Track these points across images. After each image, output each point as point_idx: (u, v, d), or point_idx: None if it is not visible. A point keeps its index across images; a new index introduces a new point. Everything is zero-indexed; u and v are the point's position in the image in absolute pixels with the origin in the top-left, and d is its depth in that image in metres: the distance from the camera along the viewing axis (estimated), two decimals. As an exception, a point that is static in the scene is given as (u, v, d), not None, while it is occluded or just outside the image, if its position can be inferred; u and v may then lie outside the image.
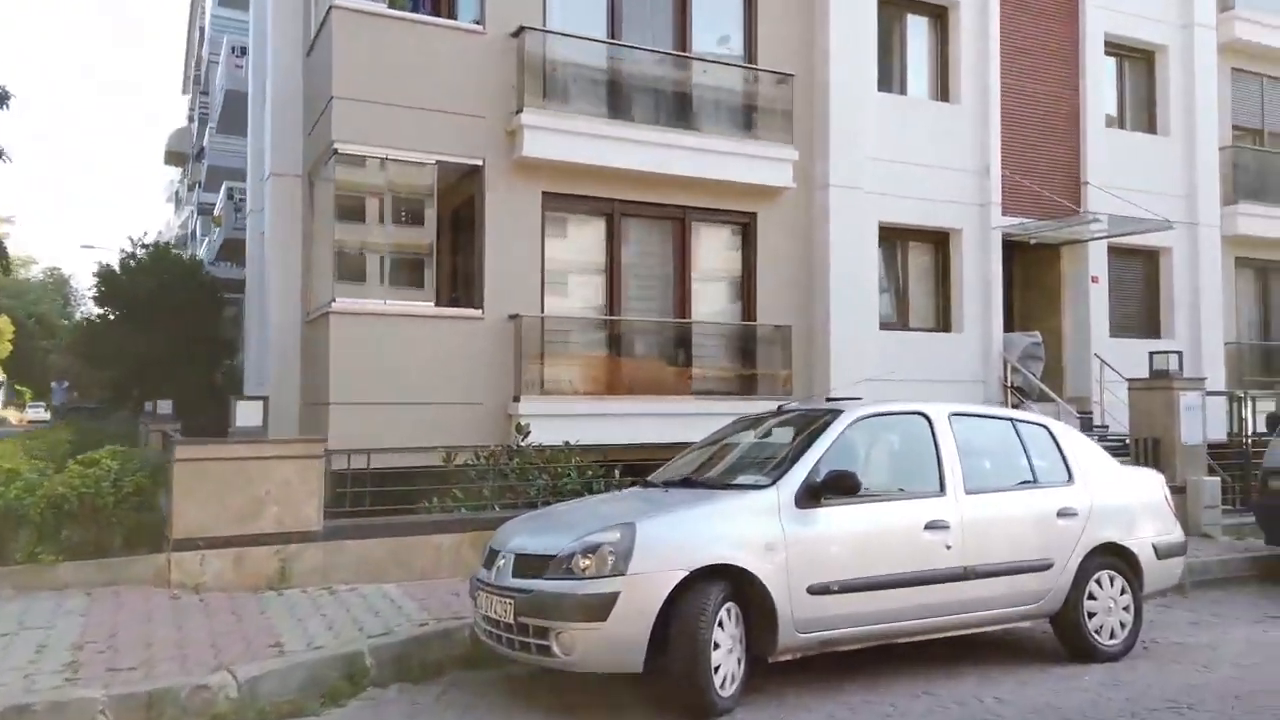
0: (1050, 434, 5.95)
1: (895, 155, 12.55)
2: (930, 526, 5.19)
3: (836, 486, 4.90)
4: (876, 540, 5.05)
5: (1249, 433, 11.43)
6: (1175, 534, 6.15)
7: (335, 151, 9.83)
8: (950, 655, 5.67)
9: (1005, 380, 13.04)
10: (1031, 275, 14.60)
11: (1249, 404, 11.65)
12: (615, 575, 4.42)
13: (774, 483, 4.96)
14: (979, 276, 13.13)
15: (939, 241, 13.25)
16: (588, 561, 4.50)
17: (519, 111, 10.29)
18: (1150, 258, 14.82)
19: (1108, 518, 5.78)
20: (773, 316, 11.94)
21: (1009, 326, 14.13)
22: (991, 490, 5.53)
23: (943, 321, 13.28)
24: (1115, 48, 14.44)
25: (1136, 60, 14.85)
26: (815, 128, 12.23)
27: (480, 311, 10.34)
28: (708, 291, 12.02)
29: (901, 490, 5.47)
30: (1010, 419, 5.95)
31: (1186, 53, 14.70)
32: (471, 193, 10.58)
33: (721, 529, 4.71)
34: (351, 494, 7.32)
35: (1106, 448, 11.99)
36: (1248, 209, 15.10)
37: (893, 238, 12.94)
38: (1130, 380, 11.17)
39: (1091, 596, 5.68)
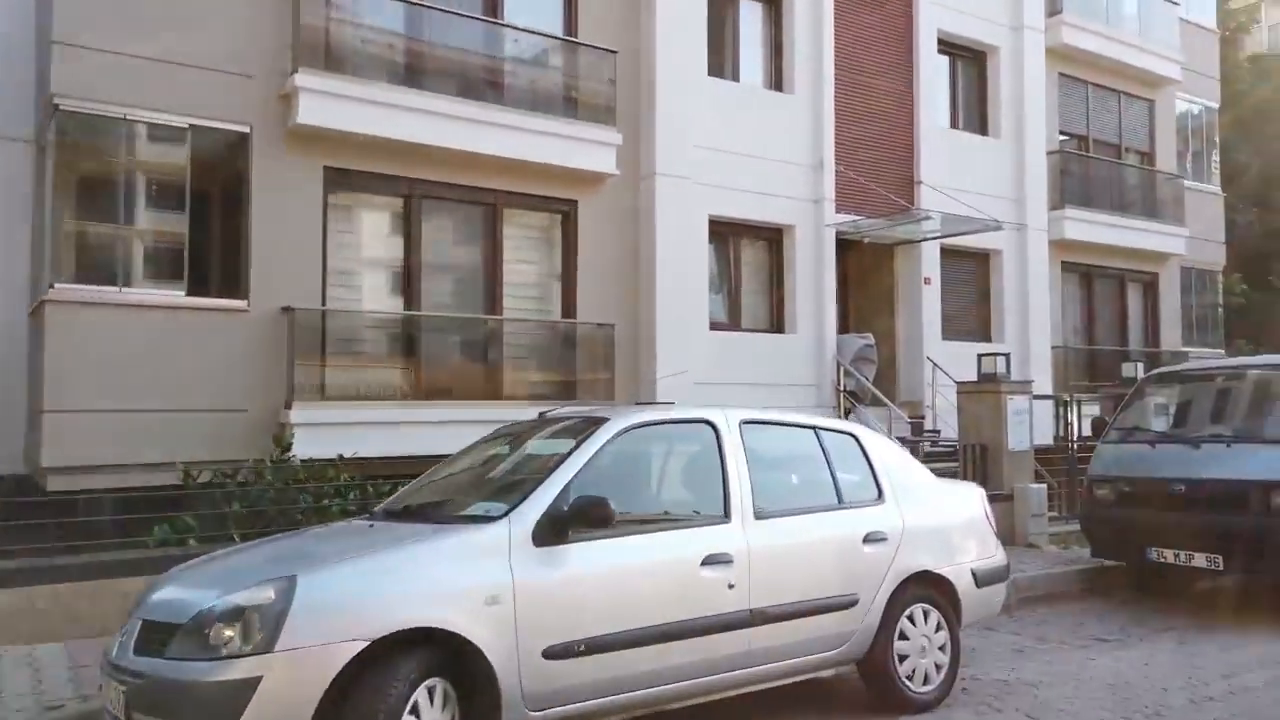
0: (858, 444, 5.05)
1: (727, 145, 11.72)
2: (709, 562, 4.16)
3: (585, 517, 3.79)
4: (639, 583, 3.98)
5: (1075, 437, 11.14)
6: (997, 557, 5.37)
7: (56, 108, 8.11)
8: (738, 713, 4.67)
9: (838, 384, 12.42)
10: (866, 276, 14.11)
11: (1075, 408, 11.38)
12: (259, 653, 3.15)
13: (505, 514, 3.81)
14: (813, 275, 12.47)
15: (772, 238, 12.51)
16: (230, 632, 3.22)
17: (294, 72, 8.82)
18: (981, 260, 14.60)
19: (922, 541, 4.93)
20: (595, 314, 10.86)
21: (843, 328, 13.59)
22: (787, 513, 4.56)
23: (776, 322, 12.55)
24: (948, 46, 14.13)
25: (969, 60, 14.61)
26: (641, 111, 11.24)
27: (245, 303, 8.80)
28: (522, 286, 10.84)
29: (675, 518, 4.42)
30: (813, 427, 5.00)
31: (1016, 55, 14.57)
32: (238, 165, 9.03)
33: (426, 579, 3.52)
34: (20, 527, 5.74)
35: (938, 454, 11.90)
36: (1074, 214, 15.11)
37: (724, 233, 12.11)
38: (959, 384, 10.68)
39: (903, 636, 4.79)
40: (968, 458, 9.94)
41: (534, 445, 4.63)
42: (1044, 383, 14.37)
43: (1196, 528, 7.21)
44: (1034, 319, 14.63)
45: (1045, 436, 12.04)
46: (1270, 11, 22.27)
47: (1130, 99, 16.54)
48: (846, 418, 12.45)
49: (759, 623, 4.24)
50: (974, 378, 10.31)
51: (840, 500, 4.81)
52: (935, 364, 13.00)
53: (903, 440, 11.59)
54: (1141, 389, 8.44)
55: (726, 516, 4.33)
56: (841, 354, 12.52)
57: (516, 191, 10.50)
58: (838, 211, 12.57)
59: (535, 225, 10.94)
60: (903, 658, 4.77)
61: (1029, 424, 9.94)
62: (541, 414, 5.03)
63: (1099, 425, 8.51)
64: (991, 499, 10.14)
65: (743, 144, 11.86)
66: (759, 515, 4.39)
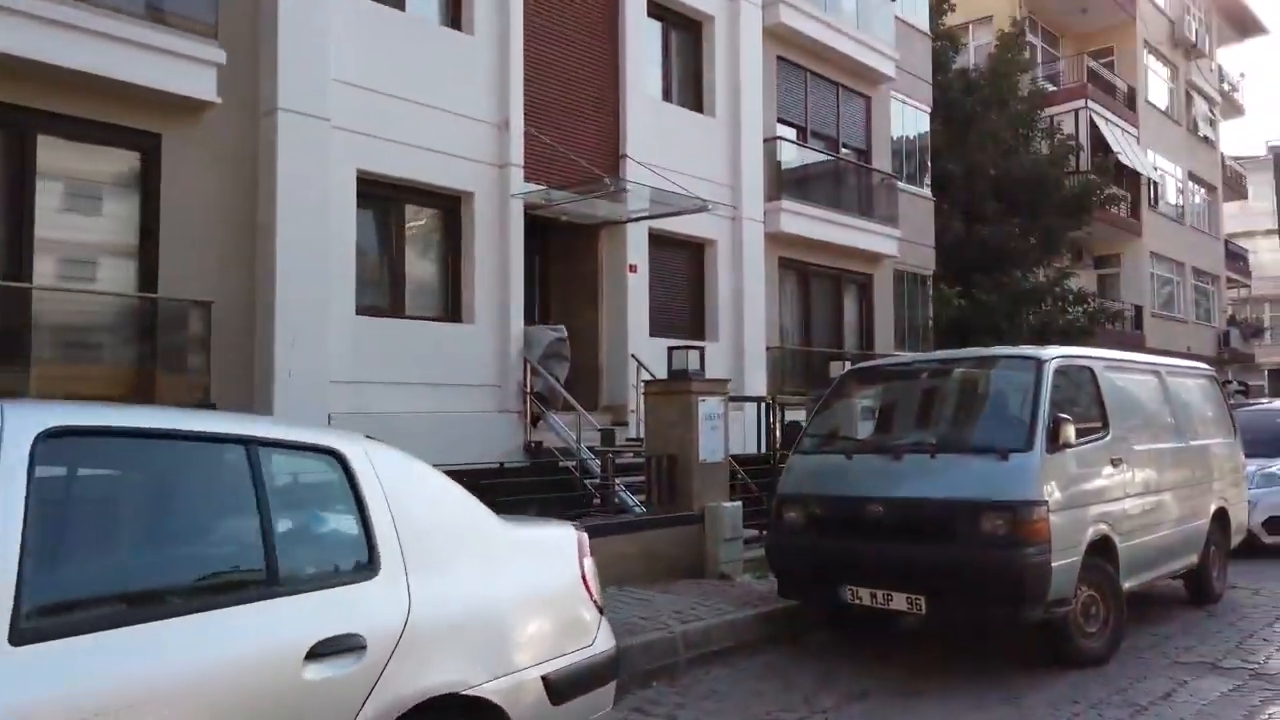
0: (346, 474, 2.82)
1: (387, 86, 9.32)
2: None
3: None
4: None
5: (777, 446, 9.71)
6: (597, 645, 3.33)
7: None
8: None
9: (526, 385, 10.33)
10: (569, 261, 12.19)
11: (778, 412, 9.96)
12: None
13: None
14: (497, 254, 10.32)
15: (446, 206, 10.24)
16: None
17: None
18: (695, 250, 13.13)
19: (447, 640, 2.79)
20: (184, 287, 8.06)
21: (543, 319, 11.58)
22: (148, 616, 2.24)
23: (451, 308, 10.27)
24: (660, 8, 12.54)
25: (683, 28, 13.12)
26: (260, 28, 8.59)
27: None
28: (73, 243, 7.85)
29: None
30: (247, 440, 2.69)
31: (733, 28, 13.26)
32: None
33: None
34: None
35: (635, 466, 10.17)
36: (791, 206, 14.03)
37: (382, 195, 9.68)
38: (646, 383, 8.90)
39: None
40: (654, 471, 8.14)
41: None
42: (759, 384, 13.13)
43: (896, 561, 5.69)
44: (749, 316, 13.35)
45: (752, 445, 10.61)
46: (978, 32, 22.97)
47: (848, 93, 15.84)
48: (535, 425, 10.40)
49: None
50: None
51: (274, 578, 2.53)
52: (640, 363, 11.24)
53: (594, 450, 9.69)
54: (841, 387, 6.95)
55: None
56: (530, 349, 10.45)
57: (68, 115, 7.52)
58: (527, 180, 10.50)
59: (100, 162, 7.98)
60: None
61: (724, 430, 8.29)
62: None
63: (791, 432, 6.91)
64: (679, 521, 8.72)
65: (409, 88, 9.50)
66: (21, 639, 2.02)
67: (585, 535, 3.43)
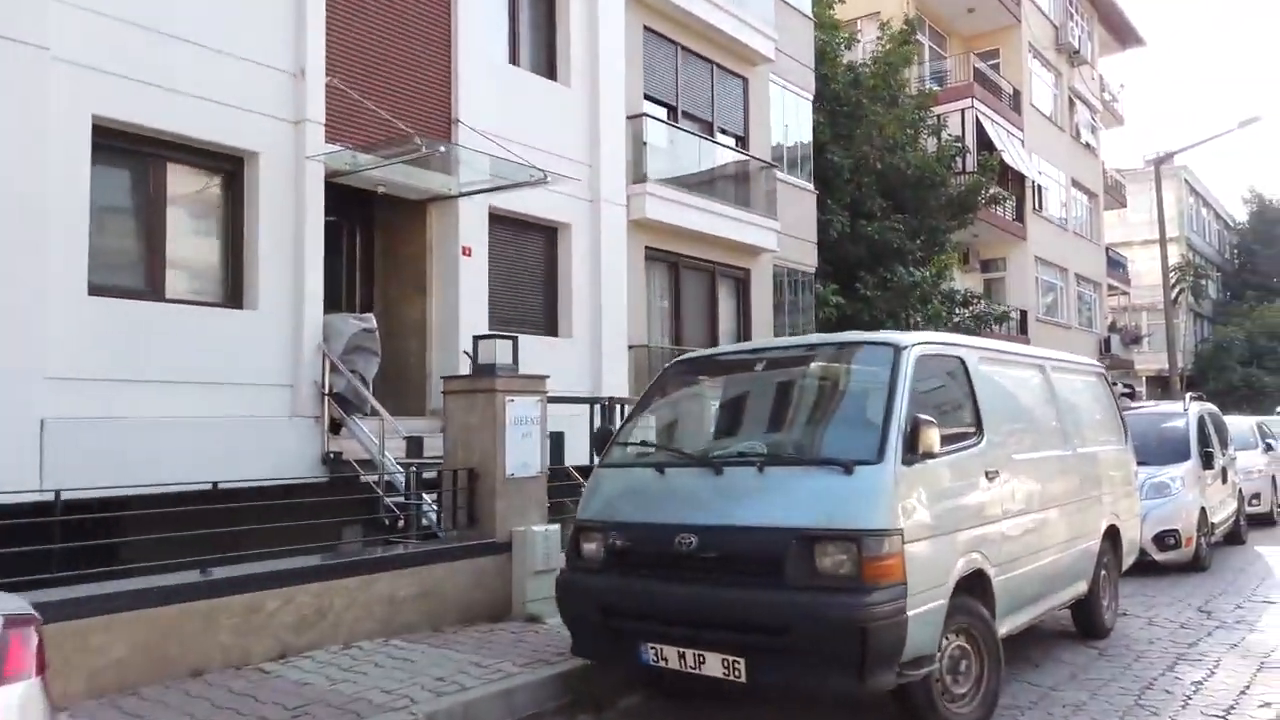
0: None
1: (136, 13, 7.49)
2: None
3: None
4: None
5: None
6: None
7: None
8: None
9: (324, 384, 8.61)
10: (394, 242, 10.52)
11: (618, 416, 8.51)
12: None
13: None
14: (289, 226, 8.56)
15: (224, 168, 8.43)
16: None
17: None
18: (547, 235, 11.61)
19: None
20: None
21: (365, 308, 9.90)
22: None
23: (230, 292, 8.47)
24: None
25: (534, -16, 11.62)
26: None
27: None
28: None
29: None
30: None
31: (591, -13, 11.82)
32: None
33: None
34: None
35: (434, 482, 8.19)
36: (659, 190, 12.66)
37: (135, 150, 7.83)
38: (445, 380, 7.32)
39: None
40: (451, 489, 6.56)
41: None
42: (619, 385, 11.69)
43: (709, 611, 4.27)
44: (609, 310, 11.90)
45: (585, 456, 9.15)
46: (867, 28, 22.21)
47: (724, 73, 14.61)
48: (336, 432, 8.69)
49: None
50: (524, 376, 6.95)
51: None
52: (475, 360, 9.59)
53: (402, 462, 8.05)
54: (664, 383, 5.52)
55: None
56: (331, 342, 8.72)
57: None
58: (330, 141, 8.80)
59: None
60: None
61: (539, 439, 6.77)
62: None
63: (603, 438, 5.44)
64: (476, 551, 6.26)
65: (170, 19, 7.70)
66: None
67: (31, 633, 1.83)
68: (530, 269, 11.46)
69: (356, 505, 7.89)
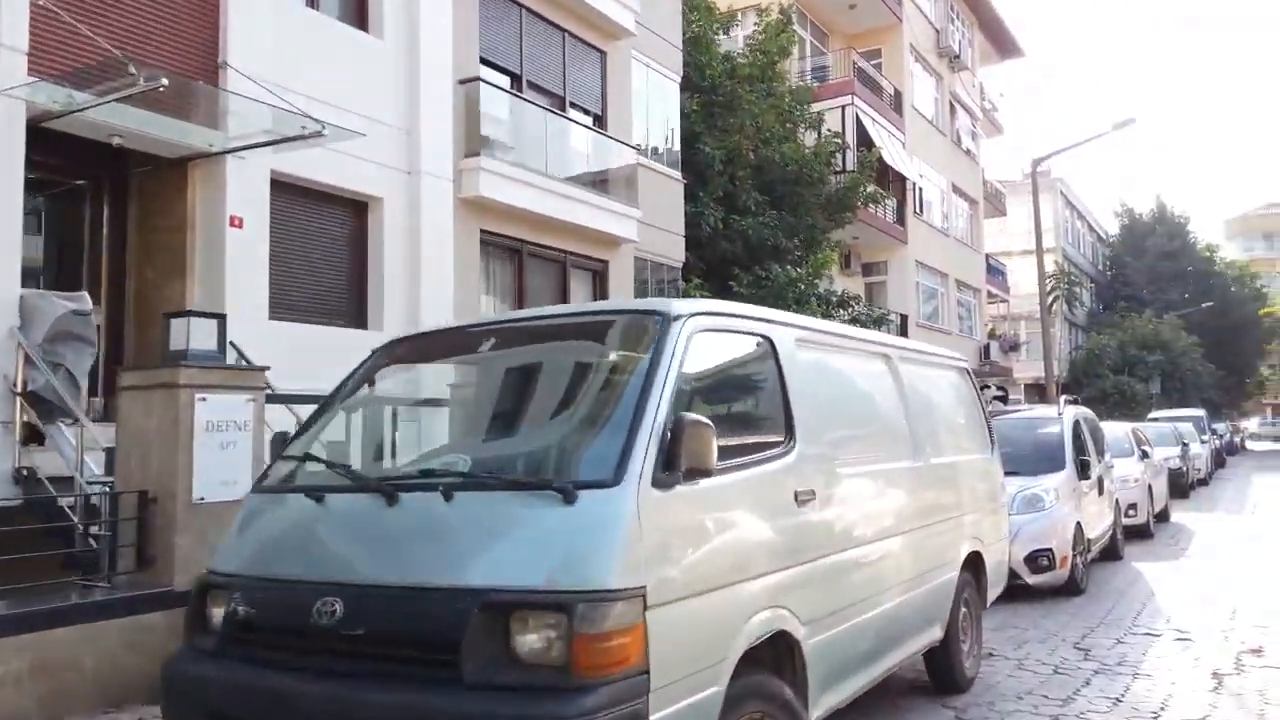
0: None
1: None
2: None
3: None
4: None
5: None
6: None
7: None
8: None
9: (15, 381, 6.69)
10: (152, 213, 8.62)
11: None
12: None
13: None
14: (-29, 181, 6.64)
15: (-127, 100, 6.47)
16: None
17: None
18: (353, 210, 9.88)
19: None
20: None
21: (115, 294, 8.04)
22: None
23: (-116, 262, 6.49)
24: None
25: (335, -85, 9.91)
26: None
27: None
28: None
29: None
30: None
31: (406, -75, 10.18)
32: None
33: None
34: None
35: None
36: (495, 167, 11.07)
37: None
38: (122, 372, 5.57)
39: None
40: (114, 520, 4.82)
41: None
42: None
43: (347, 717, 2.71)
44: (431, 301, 10.23)
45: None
46: (747, 18, 21.15)
47: (579, 44, 13.16)
48: (41, 443, 6.79)
49: None
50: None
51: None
52: (241, 354, 7.78)
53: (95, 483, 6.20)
54: (370, 370, 3.92)
55: None
56: (29, 328, 6.80)
57: None
58: (36, 75, 6.91)
59: None
60: None
61: (248, 449, 5.09)
62: None
63: (280, 444, 3.80)
64: (142, 603, 4.27)
65: None
66: None
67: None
68: (331, 250, 9.71)
69: (50, 536, 6.05)
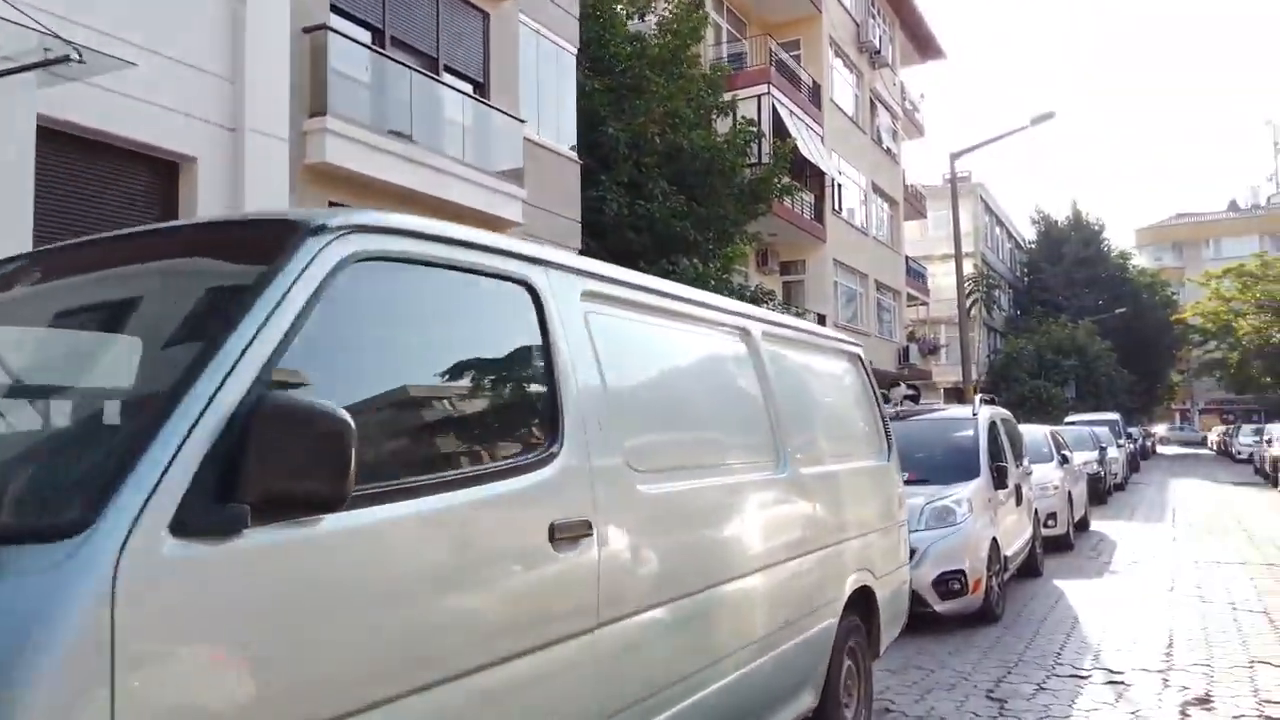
0: None
1: None
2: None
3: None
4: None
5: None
6: None
7: None
8: None
9: None
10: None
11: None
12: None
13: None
14: None
15: None
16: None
17: None
18: (159, 171, 8.28)
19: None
20: None
21: None
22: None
23: None
24: None
25: None
26: None
27: None
28: None
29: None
30: None
31: None
32: None
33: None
34: None
35: None
36: (345, 129, 9.57)
37: None
38: None
39: None
40: None
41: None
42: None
43: None
44: (260, 281, 8.66)
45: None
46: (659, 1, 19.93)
47: (456, 2, 11.73)
48: None
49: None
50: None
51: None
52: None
53: None
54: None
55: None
56: None
57: None
58: None
59: None
60: None
61: None
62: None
63: None
64: None
65: None
66: None
67: None
68: (131, 219, 8.08)
69: None
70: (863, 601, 4.28)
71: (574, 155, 14.15)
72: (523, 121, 12.48)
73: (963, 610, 6.84)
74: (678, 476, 2.84)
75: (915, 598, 6.40)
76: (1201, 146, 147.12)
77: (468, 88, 11.98)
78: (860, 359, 5.02)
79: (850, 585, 4.09)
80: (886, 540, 4.67)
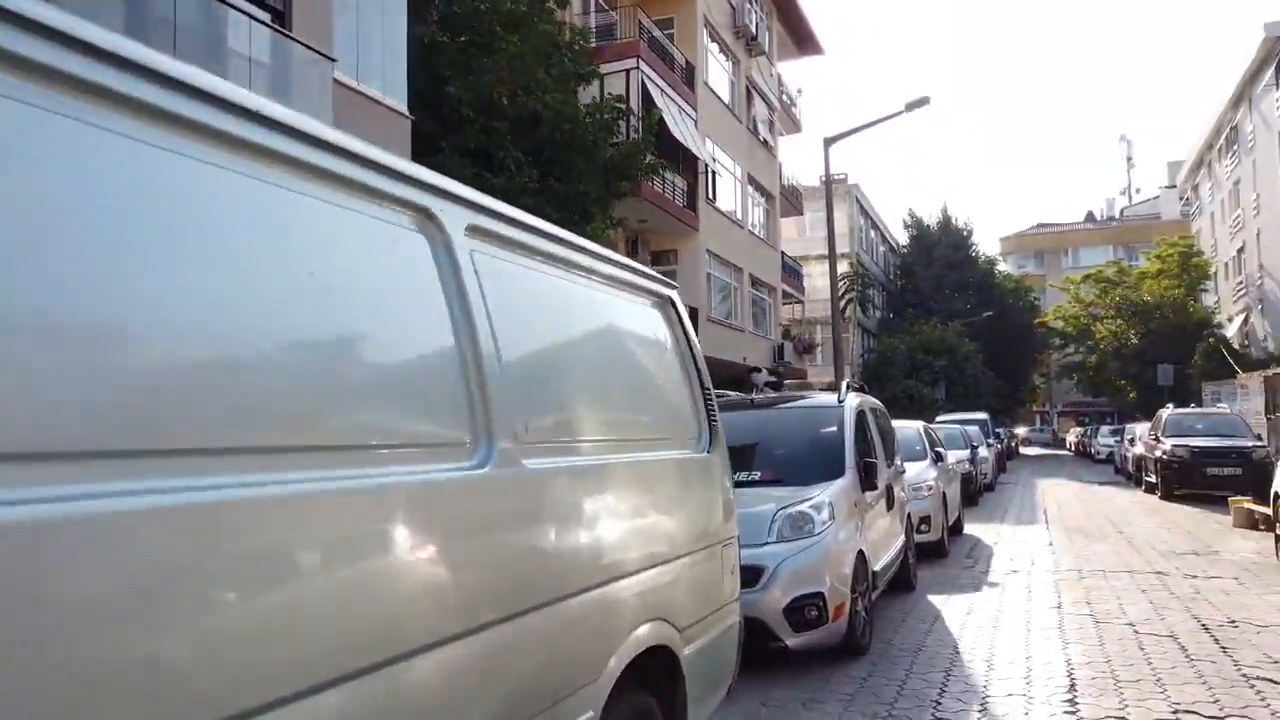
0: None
1: None
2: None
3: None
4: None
5: None
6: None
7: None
8: None
9: None
10: None
11: None
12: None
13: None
14: None
15: None
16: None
17: None
18: None
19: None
20: None
21: None
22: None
23: None
24: None
25: None
26: None
27: None
28: None
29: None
30: None
31: None
32: None
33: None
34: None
35: None
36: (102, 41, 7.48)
37: None
38: None
39: None
40: None
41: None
42: None
43: None
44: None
45: None
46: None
47: (246, -91, 9.73)
48: None
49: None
50: None
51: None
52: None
53: None
54: None
55: None
56: None
57: None
58: None
59: None
60: None
61: None
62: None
63: None
64: None
65: None
66: None
67: None
68: None
69: None
70: (661, 667, 2.76)
71: (402, 109, 12.29)
72: (333, 60, 10.58)
73: (822, 643, 5.46)
74: (242, 480, 1.22)
75: (761, 630, 4.98)
76: (1059, 158, 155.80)
77: (264, 16, 10.00)
78: (674, 304, 3.50)
79: (630, 649, 2.55)
80: (701, 569, 3.17)
